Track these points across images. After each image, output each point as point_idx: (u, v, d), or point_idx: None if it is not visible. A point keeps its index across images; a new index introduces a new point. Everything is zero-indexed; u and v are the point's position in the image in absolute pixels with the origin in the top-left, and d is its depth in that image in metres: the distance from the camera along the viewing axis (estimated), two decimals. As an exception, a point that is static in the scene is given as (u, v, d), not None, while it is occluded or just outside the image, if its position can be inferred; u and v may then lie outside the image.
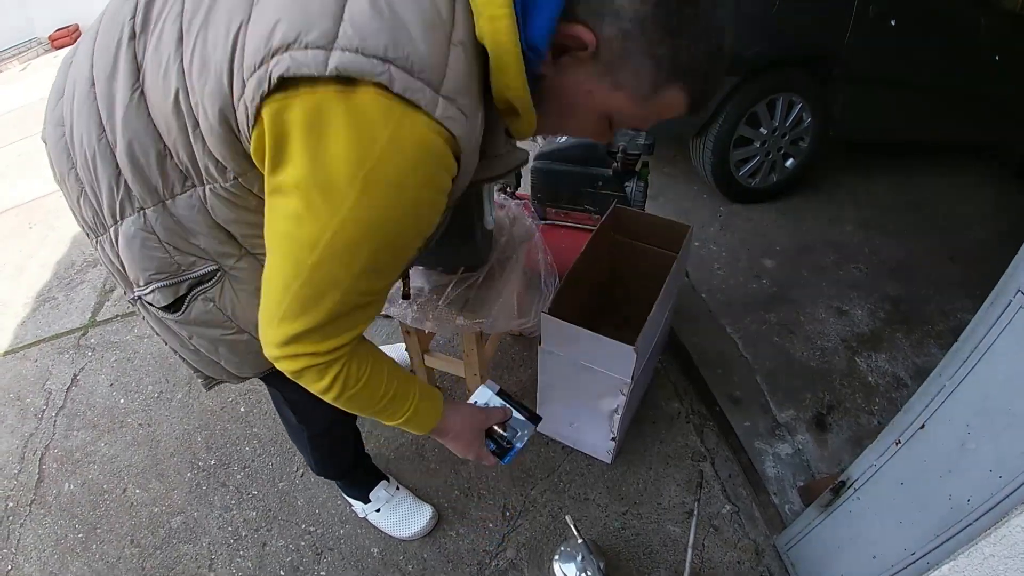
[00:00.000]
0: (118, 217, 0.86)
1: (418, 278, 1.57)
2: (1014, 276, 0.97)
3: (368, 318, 0.82)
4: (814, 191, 3.04)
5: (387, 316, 2.13)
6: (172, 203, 0.82)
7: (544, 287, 1.62)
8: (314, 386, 0.83)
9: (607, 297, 2.00)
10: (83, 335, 2.56)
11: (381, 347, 1.97)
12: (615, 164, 1.82)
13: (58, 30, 8.22)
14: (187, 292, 0.92)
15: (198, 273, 0.90)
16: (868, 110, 2.92)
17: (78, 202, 0.91)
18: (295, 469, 1.89)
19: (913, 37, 2.70)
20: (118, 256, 0.91)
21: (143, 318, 1.04)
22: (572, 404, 1.69)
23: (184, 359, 1.07)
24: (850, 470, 1.38)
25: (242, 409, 2.09)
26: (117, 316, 2.62)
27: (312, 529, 1.74)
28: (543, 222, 1.99)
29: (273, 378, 0.99)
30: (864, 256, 2.67)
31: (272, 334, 0.77)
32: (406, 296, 1.29)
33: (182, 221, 0.83)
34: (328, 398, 0.84)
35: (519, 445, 1.22)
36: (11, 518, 1.89)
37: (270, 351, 0.80)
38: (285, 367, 0.80)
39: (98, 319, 2.63)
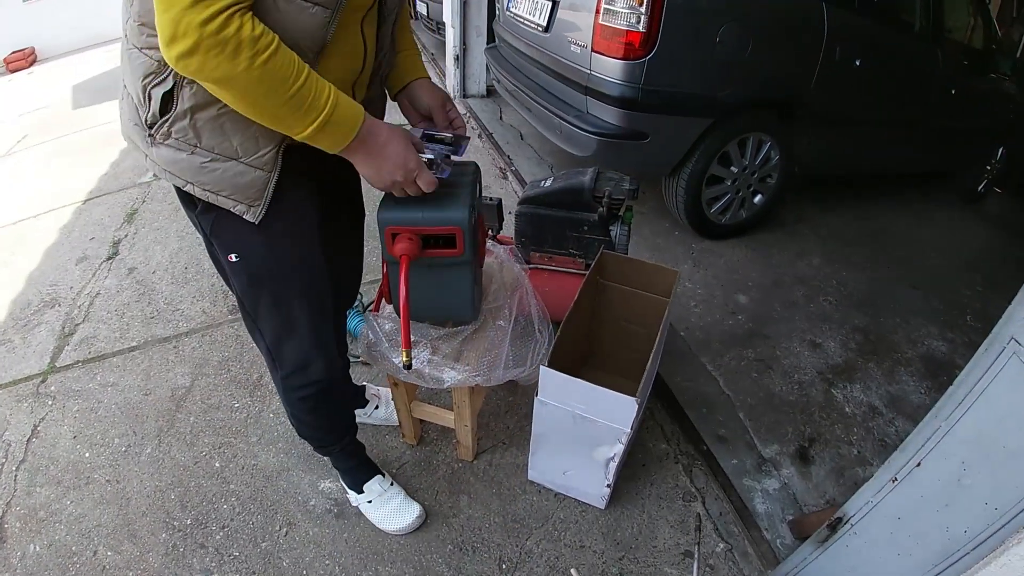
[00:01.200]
0: (124, 58, 1.07)
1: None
2: (1007, 324, 1.02)
3: None
4: (780, 226, 3.13)
5: (365, 363, 2.11)
6: (133, 5, 1.00)
7: (539, 334, 1.61)
8: (241, 34, 0.88)
9: (591, 339, 2.01)
10: (42, 382, 2.44)
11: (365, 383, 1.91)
12: (601, 209, 1.83)
13: (13, 52, 8.02)
14: (172, 84, 1.02)
15: None
16: (831, 146, 3.04)
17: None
18: (278, 528, 1.81)
19: (876, 75, 2.82)
20: (126, 87, 1.11)
21: (162, 173, 1.14)
22: (567, 453, 1.68)
23: (212, 191, 1.13)
24: (846, 507, 1.41)
25: (217, 464, 2.01)
26: (79, 362, 2.50)
27: (299, 591, 1.68)
28: (528, 266, 1.98)
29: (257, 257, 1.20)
30: (832, 288, 2.75)
31: (177, 9, 0.85)
32: (408, 367, 1.26)
33: (144, 17, 0.98)
34: (242, 58, 0.89)
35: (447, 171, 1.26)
36: (-27, 581, 1.78)
37: (196, 22, 0.85)
38: (213, 28, 0.86)
39: (58, 364, 2.51)
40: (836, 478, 1.92)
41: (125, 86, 1.11)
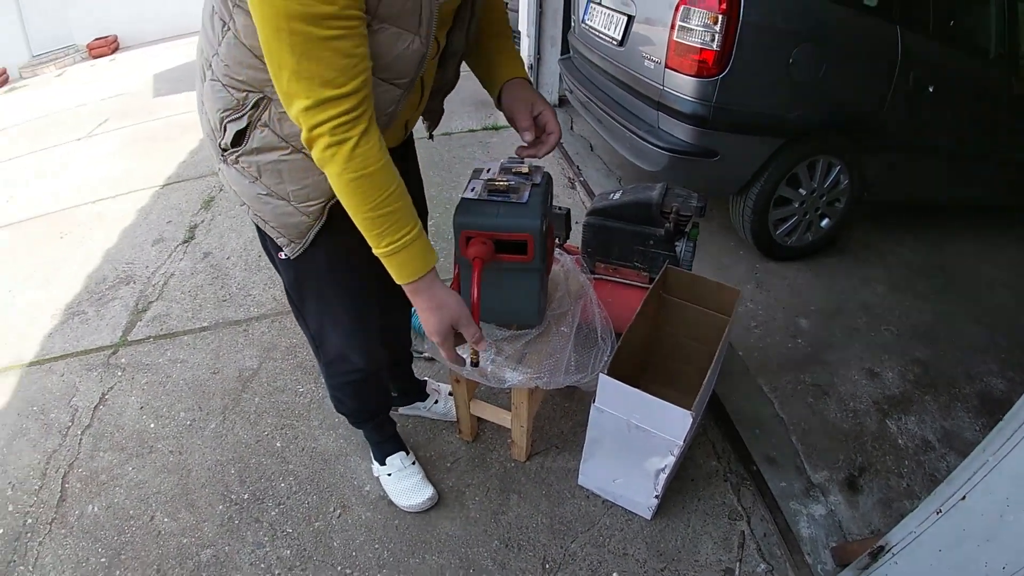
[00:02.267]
0: (202, 78, 1.14)
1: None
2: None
3: (356, 53, 0.93)
4: (846, 251, 3.08)
5: (432, 359, 2.17)
6: (221, 46, 1.06)
7: (601, 341, 1.63)
8: (341, 150, 0.96)
9: (650, 352, 2.02)
10: (113, 354, 2.56)
11: (403, 408, 1.99)
12: (667, 224, 1.84)
13: (96, 39, 8.34)
14: (247, 124, 1.11)
15: (251, 103, 1.09)
16: (903, 174, 2.97)
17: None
18: (332, 509, 1.87)
19: (949, 103, 2.76)
20: (204, 109, 1.18)
21: (229, 189, 1.26)
22: (618, 461, 1.70)
23: (262, 219, 1.25)
24: (889, 536, 1.40)
25: (278, 444, 2.09)
26: (150, 337, 2.62)
27: (348, 572, 1.72)
28: (592, 276, 2.00)
29: (304, 265, 1.29)
30: (895, 318, 2.69)
31: (295, 109, 0.95)
32: (475, 364, 1.32)
33: (229, 61, 1.06)
34: (334, 165, 0.98)
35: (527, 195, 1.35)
36: (29, 535, 1.87)
37: (305, 126, 0.96)
38: (320, 132, 0.95)
39: (130, 339, 2.63)
40: (883, 509, 1.89)
41: (203, 105, 1.18)
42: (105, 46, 8.31)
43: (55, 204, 3.97)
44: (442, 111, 1.45)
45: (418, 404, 2.11)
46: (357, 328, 1.47)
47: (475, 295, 1.28)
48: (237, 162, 1.17)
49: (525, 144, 1.34)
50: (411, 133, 1.50)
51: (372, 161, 0.98)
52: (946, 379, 2.39)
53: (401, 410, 2.15)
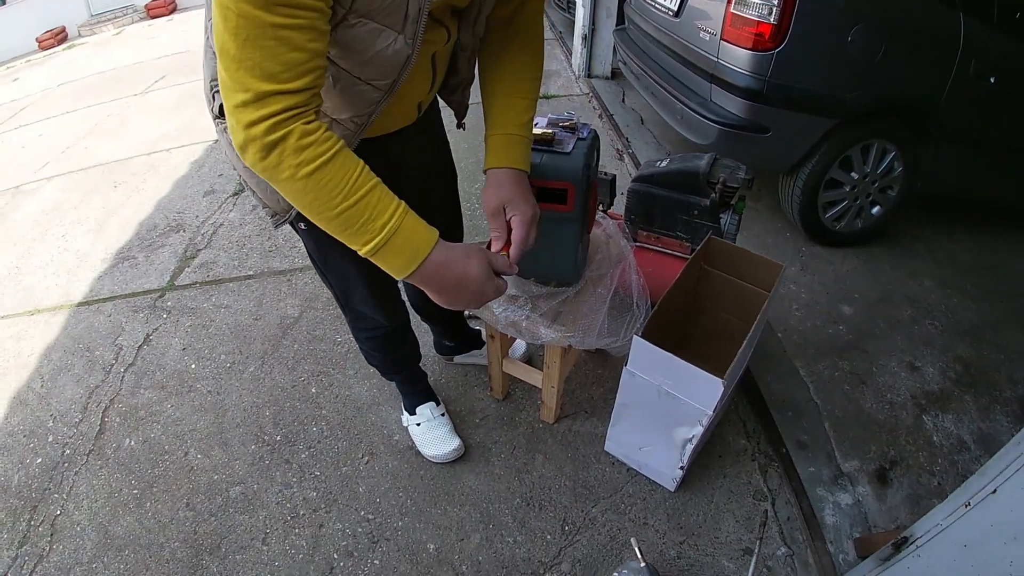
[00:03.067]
0: (205, 40, 1.08)
1: (512, 286, 1.60)
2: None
3: (308, 48, 0.81)
4: (895, 242, 2.99)
5: (475, 317, 2.19)
6: (207, 11, 0.95)
7: (636, 308, 1.62)
8: (285, 145, 0.82)
9: (688, 325, 2.00)
10: (160, 297, 2.64)
11: (459, 357, 1.93)
12: (713, 195, 1.81)
13: (154, 0, 8.51)
14: None
15: None
16: (959, 167, 2.86)
17: None
18: (360, 456, 1.92)
19: (1011, 96, 2.65)
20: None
21: (233, 166, 1.21)
22: (646, 428, 1.69)
23: (250, 188, 1.20)
24: (914, 527, 1.36)
25: (313, 390, 2.14)
26: (196, 283, 2.70)
27: (371, 517, 1.76)
28: (634, 244, 1.99)
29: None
30: (940, 313, 2.61)
31: (230, 103, 0.81)
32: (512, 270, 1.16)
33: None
34: (284, 167, 0.83)
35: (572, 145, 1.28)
36: (66, 465, 1.96)
37: (240, 124, 0.82)
38: (255, 133, 0.81)
39: (177, 284, 2.71)
40: (911, 505, 1.84)
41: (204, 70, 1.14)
42: (163, 6, 8.48)
43: (110, 156, 4.10)
44: (467, 104, 1.38)
45: (475, 352, 2.16)
46: (376, 291, 1.47)
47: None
48: (225, 132, 1.11)
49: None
50: (437, 107, 1.47)
51: (328, 145, 0.84)
52: (987, 381, 2.32)
53: (457, 359, 2.19)
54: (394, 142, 1.27)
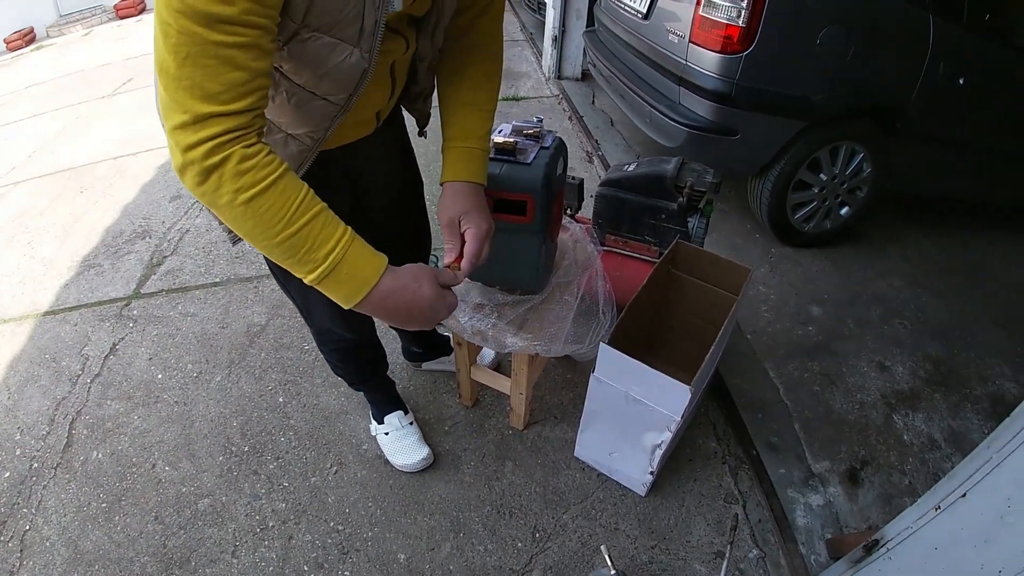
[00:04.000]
0: None
1: (477, 295, 1.58)
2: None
3: (251, 67, 0.77)
4: (864, 242, 3.02)
5: (440, 324, 2.17)
6: None
7: (602, 315, 1.61)
8: (224, 170, 0.78)
9: (656, 329, 2.00)
10: (126, 305, 2.60)
11: (427, 364, 1.94)
12: (681, 199, 1.81)
13: (123, 0, 8.37)
14: None
15: None
16: (928, 166, 2.90)
17: None
18: (329, 466, 1.89)
19: (980, 97, 2.68)
20: None
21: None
22: (615, 434, 1.69)
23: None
24: (885, 530, 1.37)
25: (281, 399, 2.11)
26: (163, 291, 2.65)
27: (340, 528, 1.74)
28: (601, 248, 1.98)
29: None
30: (910, 312, 2.64)
31: (169, 125, 0.78)
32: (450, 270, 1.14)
33: None
34: (223, 192, 0.79)
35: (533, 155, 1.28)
36: (35, 479, 1.91)
37: (178, 147, 0.78)
38: (193, 157, 0.77)
39: (143, 291, 2.66)
40: (883, 504, 1.86)
41: None
42: (132, 6, 8.34)
43: (77, 160, 4.02)
44: (428, 112, 1.36)
45: (443, 359, 2.14)
46: (337, 306, 1.42)
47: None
48: None
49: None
50: (399, 116, 1.45)
51: (269, 170, 0.80)
52: (958, 379, 2.35)
53: (425, 365, 2.17)
54: (354, 153, 1.25)
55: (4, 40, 7.59)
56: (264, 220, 0.81)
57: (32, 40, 7.65)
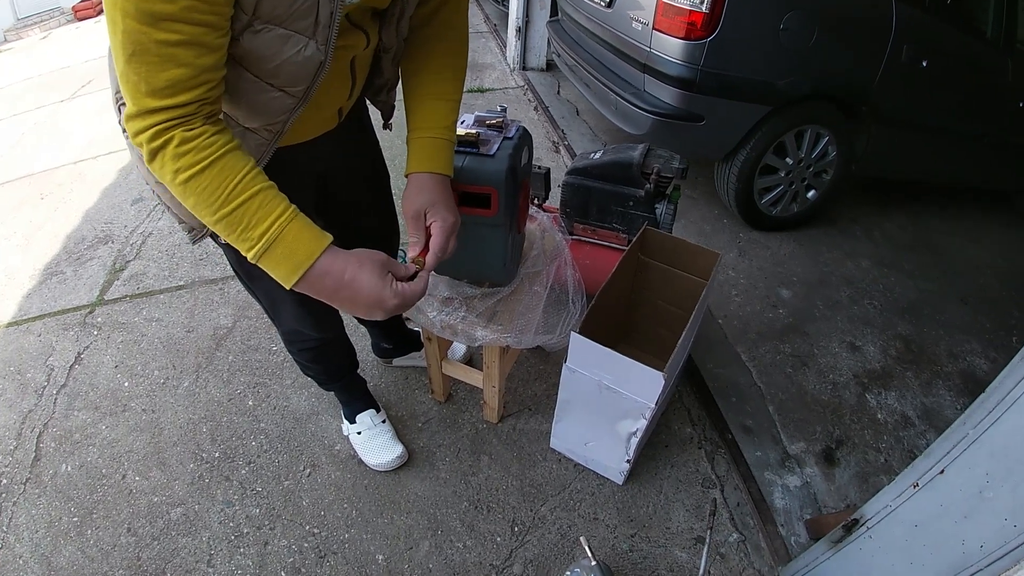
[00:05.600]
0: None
1: (445, 288, 1.56)
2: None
3: (196, 64, 0.79)
4: (831, 224, 3.06)
5: (408, 319, 2.14)
6: None
7: (572, 304, 1.60)
8: (166, 152, 0.82)
9: (628, 316, 1.99)
10: (90, 313, 2.53)
11: (397, 359, 1.91)
12: (648, 186, 1.81)
13: (82, 1, 8.20)
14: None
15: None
16: (892, 149, 2.94)
17: None
18: (302, 468, 1.86)
19: (942, 80, 2.72)
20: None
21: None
22: (590, 423, 1.68)
23: (170, 209, 1.13)
24: (864, 509, 1.38)
25: (250, 403, 2.07)
26: (126, 296, 2.59)
27: (316, 531, 1.72)
28: (570, 237, 1.98)
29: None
30: (879, 292, 2.67)
31: (123, 114, 0.83)
32: (413, 276, 1.06)
33: None
34: (166, 171, 0.83)
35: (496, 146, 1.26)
36: (4, 495, 1.86)
37: (129, 133, 0.83)
38: (140, 141, 0.82)
39: (106, 298, 2.60)
40: (859, 483, 1.89)
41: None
42: (90, 8, 8.15)
43: (37, 166, 3.91)
44: (392, 105, 1.34)
45: (413, 354, 2.12)
46: (305, 304, 1.34)
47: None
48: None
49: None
50: (363, 109, 1.43)
51: (206, 152, 0.83)
52: (928, 356, 2.39)
53: (396, 361, 2.15)
54: (317, 148, 1.22)
55: (-41, 46, 7.39)
56: (203, 199, 0.84)
57: (-12, 45, 7.45)
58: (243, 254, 0.88)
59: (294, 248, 0.88)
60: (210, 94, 0.83)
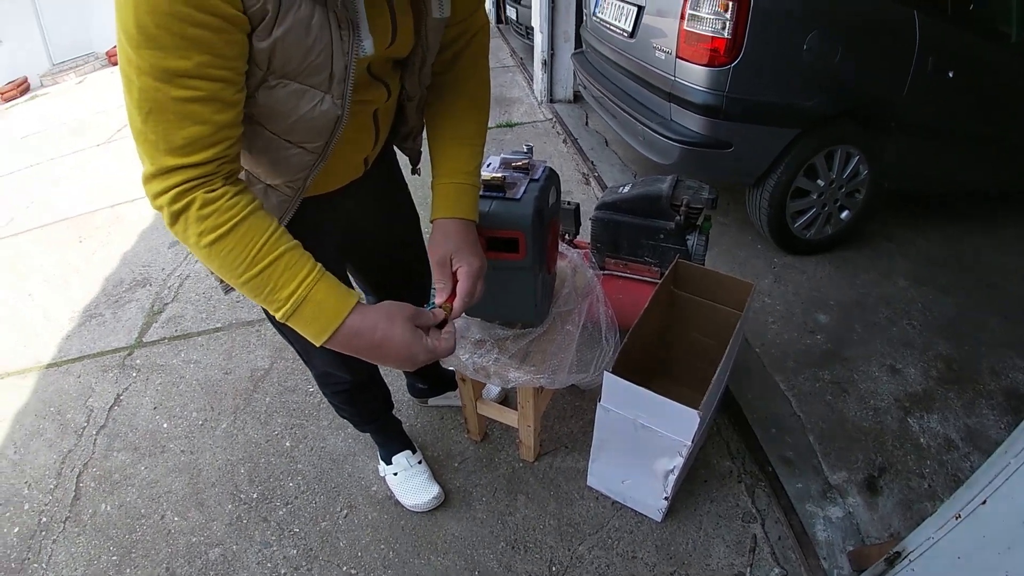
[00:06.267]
0: None
1: (477, 331, 1.57)
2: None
3: (213, 120, 0.79)
4: (866, 244, 3.00)
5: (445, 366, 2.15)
6: None
7: (605, 341, 1.59)
8: (188, 215, 0.81)
9: (662, 349, 1.97)
10: (128, 355, 2.59)
11: (432, 399, 1.90)
12: (678, 217, 1.80)
13: (116, 46, 8.48)
14: None
15: None
16: (924, 162, 2.89)
17: None
18: (339, 509, 1.87)
19: (970, 89, 2.67)
20: None
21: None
22: (626, 462, 1.66)
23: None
24: (906, 541, 1.35)
25: (288, 444, 2.09)
26: (164, 339, 2.64)
27: (353, 572, 1.71)
28: (602, 272, 1.97)
29: None
30: (917, 311, 2.61)
31: (142, 174, 0.82)
32: (444, 321, 1.07)
33: None
34: (190, 234, 0.83)
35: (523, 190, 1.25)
36: (44, 533, 1.90)
37: (149, 195, 0.83)
38: (161, 204, 0.82)
39: (145, 340, 2.66)
40: (903, 511, 1.83)
41: None
42: (125, 52, 8.45)
43: (75, 209, 4.04)
44: (419, 151, 1.35)
45: (449, 394, 2.12)
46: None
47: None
48: None
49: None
50: (392, 155, 1.44)
51: (229, 215, 0.83)
52: (970, 375, 2.32)
53: (431, 401, 2.15)
54: (344, 196, 1.24)
55: (-2, 91, 7.68)
56: (227, 262, 0.84)
57: (26, 90, 7.74)
58: (273, 310, 0.88)
59: (321, 309, 0.88)
60: (229, 152, 0.83)
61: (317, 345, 0.91)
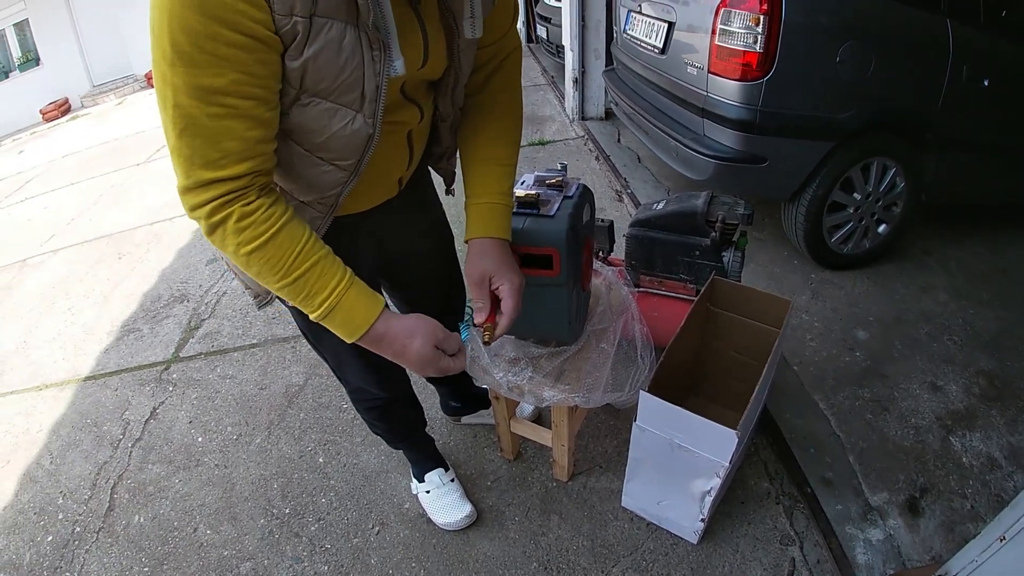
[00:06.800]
0: None
1: (512, 349, 1.56)
2: None
3: (247, 137, 0.82)
4: (904, 258, 2.94)
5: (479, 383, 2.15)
6: None
7: (640, 360, 1.57)
8: (226, 227, 0.86)
9: (699, 367, 1.95)
10: (165, 369, 2.63)
11: (466, 417, 1.84)
12: (713, 234, 1.78)
13: (152, 68, 8.73)
14: None
15: None
16: (962, 173, 2.83)
17: None
18: (371, 526, 1.87)
19: (1006, 96, 2.61)
20: None
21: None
22: (662, 482, 1.63)
23: (236, 275, 1.22)
24: (949, 564, 1.31)
25: (321, 460, 2.10)
26: (201, 354, 2.68)
27: (385, 591, 1.71)
28: (637, 289, 1.95)
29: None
30: (958, 327, 2.54)
31: (177, 187, 0.85)
32: (486, 343, 1.16)
33: None
34: (228, 244, 0.87)
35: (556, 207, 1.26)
36: (77, 543, 1.94)
37: (185, 207, 0.87)
38: (198, 216, 0.86)
39: (182, 355, 2.70)
40: (945, 533, 1.77)
41: None
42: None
43: (114, 227, 4.14)
44: (454, 172, 1.37)
45: (482, 412, 2.11)
46: (370, 364, 1.42)
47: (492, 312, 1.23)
48: None
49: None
50: (426, 174, 1.45)
51: (266, 226, 0.87)
52: (1013, 391, 2.24)
53: (464, 419, 2.15)
54: (378, 215, 1.25)
55: (40, 111, 7.93)
56: (265, 268, 0.90)
57: (67, 110, 7.98)
58: (307, 311, 0.94)
59: (351, 314, 0.95)
60: (263, 166, 0.86)
61: (354, 339, 0.97)
